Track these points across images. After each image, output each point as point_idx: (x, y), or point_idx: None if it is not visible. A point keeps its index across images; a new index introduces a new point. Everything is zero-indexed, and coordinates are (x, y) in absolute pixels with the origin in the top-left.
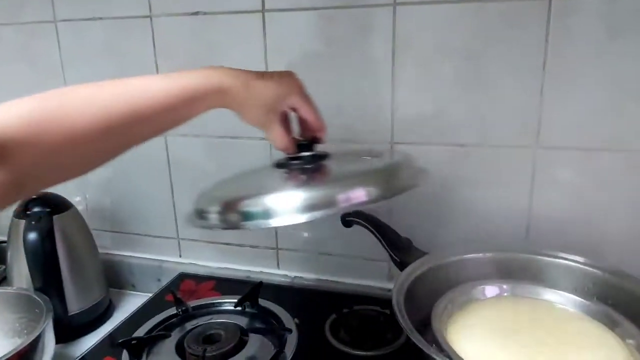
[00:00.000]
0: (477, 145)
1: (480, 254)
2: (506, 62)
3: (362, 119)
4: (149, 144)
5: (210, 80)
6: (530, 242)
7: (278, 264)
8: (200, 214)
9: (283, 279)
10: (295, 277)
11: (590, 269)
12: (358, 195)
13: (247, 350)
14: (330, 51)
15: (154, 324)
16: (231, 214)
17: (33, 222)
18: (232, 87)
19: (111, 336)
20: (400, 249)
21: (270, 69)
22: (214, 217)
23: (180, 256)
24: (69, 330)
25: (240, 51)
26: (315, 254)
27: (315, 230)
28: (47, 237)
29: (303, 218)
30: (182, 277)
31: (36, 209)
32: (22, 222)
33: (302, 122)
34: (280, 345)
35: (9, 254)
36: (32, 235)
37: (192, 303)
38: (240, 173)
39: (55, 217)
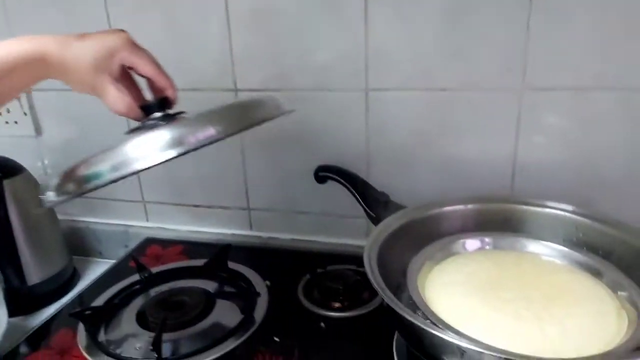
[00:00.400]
0: (458, 89)
1: (461, 206)
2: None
3: (334, 64)
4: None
5: (26, 49)
6: (516, 191)
7: (251, 225)
8: (55, 190)
9: (256, 241)
10: (269, 237)
11: (580, 217)
12: (207, 132)
13: (213, 317)
14: None
15: (114, 292)
16: (74, 179)
17: None
18: (51, 53)
19: (69, 307)
20: (376, 204)
21: (233, 19)
22: (72, 187)
23: (147, 220)
24: (28, 301)
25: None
26: (289, 213)
27: (288, 188)
28: None
29: (151, 161)
30: (149, 242)
31: None
32: None
33: (149, 82)
34: (249, 310)
35: None
36: None
37: (156, 268)
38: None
39: (5, 181)
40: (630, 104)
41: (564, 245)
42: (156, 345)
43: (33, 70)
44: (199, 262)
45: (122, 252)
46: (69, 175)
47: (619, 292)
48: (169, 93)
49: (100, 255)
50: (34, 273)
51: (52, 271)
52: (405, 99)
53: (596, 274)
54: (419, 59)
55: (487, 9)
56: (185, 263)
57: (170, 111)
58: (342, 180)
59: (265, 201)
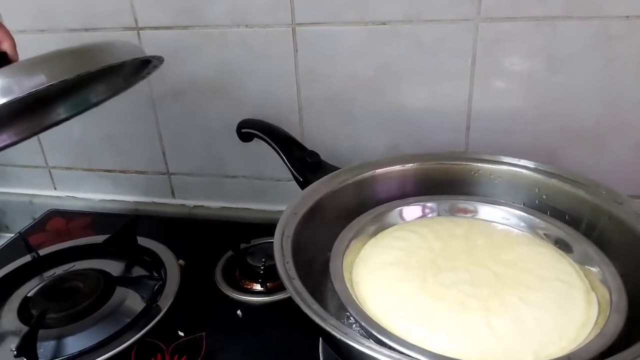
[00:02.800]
0: (403, 21)
1: (399, 166)
2: None
3: None
4: None
5: None
6: (471, 146)
7: (173, 192)
8: None
9: (180, 210)
10: (194, 206)
11: (543, 176)
12: (36, 79)
13: (109, 307)
14: None
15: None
16: None
17: None
18: None
19: None
20: (305, 165)
21: None
22: None
23: (54, 188)
24: None
25: None
26: (216, 178)
27: (213, 149)
28: None
29: None
30: (52, 214)
31: None
32: None
33: None
34: (153, 297)
35: None
36: None
37: (50, 248)
38: None
39: None
40: (607, 37)
41: (524, 210)
42: (24, 346)
43: None
44: (97, 240)
45: (27, 223)
46: None
47: (588, 267)
48: (5, 46)
49: (7, 229)
50: None
51: None
52: (338, 36)
53: (561, 245)
54: None
55: None
56: (86, 240)
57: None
58: (265, 137)
59: (187, 165)
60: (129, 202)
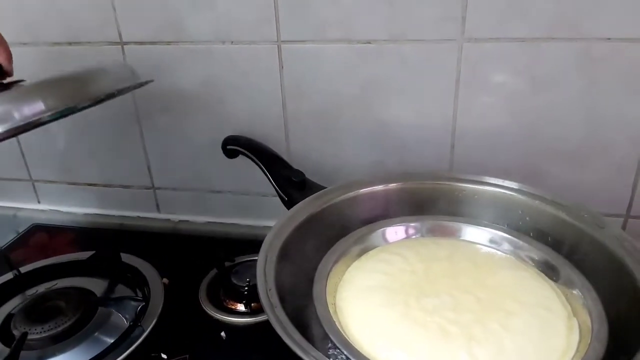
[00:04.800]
0: (388, 40)
1: (381, 186)
2: None
3: (238, 11)
4: None
5: None
6: (455, 164)
7: (158, 207)
8: None
9: (164, 225)
10: (179, 221)
11: (527, 198)
12: (35, 107)
13: (92, 327)
14: None
15: None
16: None
17: None
18: None
19: None
20: (289, 184)
21: None
22: None
23: (38, 202)
24: None
25: None
26: (201, 193)
27: (199, 164)
28: None
29: None
30: (36, 229)
31: None
32: None
33: None
34: (137, 318)
35: None
36: None
37: (31, 265)
38: None
39: None
40: (590, 59)
41: (507, 232)
42: None
43: None
44: (81, 257)
45: (9, 240)
46: None
47: (570, 291)
48: (3, 63)
49: None
50: None
51: None
52: (323, 54)
53: (544, 268)
54: (338, 5)
55: None
56: (69, 257)
57: (5, 81)
58: (251, 155)
59: (173, 179)
60: (114, 216)
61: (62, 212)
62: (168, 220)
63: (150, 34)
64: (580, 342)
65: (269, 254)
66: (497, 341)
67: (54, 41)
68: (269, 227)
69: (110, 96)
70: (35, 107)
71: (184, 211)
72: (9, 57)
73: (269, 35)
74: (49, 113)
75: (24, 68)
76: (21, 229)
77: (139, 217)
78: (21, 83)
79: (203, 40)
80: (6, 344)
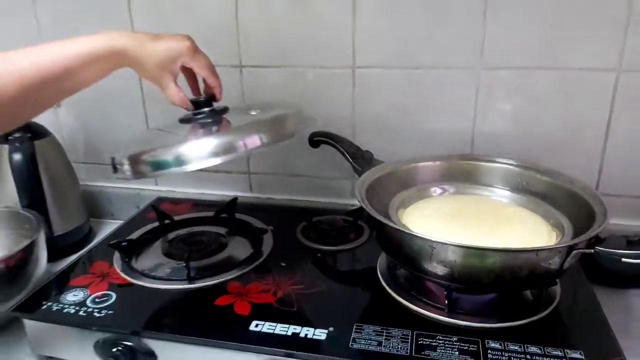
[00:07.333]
0: (429, 67)
1: (430, 162)
2: None
3: (326, 45)
4: (122, 78)
5: (110, 43)
6: (474, 151)
7: (251, 188)
8: (116, 170)
9: (255, 201)
10: (267, 198)
11: (523, 169)
12: (253, 140)
13: (228, 251)
14: None
15: (140, 234)
16: (141, 165)
17: (17, 144)
18: (130, 48)
19: (96, 247)
20: (362, 160)
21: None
22: (126, 169)
23: (156, 184)
24: (55, 249)
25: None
26: (285, 176)
27: (285, 154)
28: (31, 159)
29: (208, 163)
30: (160, 200)
31: (17, 135)
32: (5, 147)
33: (204, 80)
34: (257, 245)
35: None
36: (17, 156)
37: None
38: (147, 131)
39: (36, 142)
40: (564, 82)
41: (511, 191)
42: (187, 266)
43: (114, 61)
44: (210, 213)
45: (133, 213)
46: (135, 159)
47: (550, 220)
48: (216, 92)
49: (112, 216)
50: (58, 225)
51: (73, 225)
52: (385, 76)
53: (534, 208)
54: (398, 42)
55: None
56: (197, 214)
57: (216, 105)
58: (333, 142)
59: (264, 166)
60: (217, 194)
61: (175, 191)
62: (258, 197)
63: (264, 60)
64: (557, 240)
65: (361, 189)
66: (505, 236)
67: None
68: (334, 202)
69: (296, 134)
70: (253, 141)
71: (270, 191)
72: (221, 89)
73: (347, 62)
74: (260, 146)
75: None
76: (141, 204)
77: (235, 195)
78: (227, 112)
79: (301, 65)
80: (170, 258)
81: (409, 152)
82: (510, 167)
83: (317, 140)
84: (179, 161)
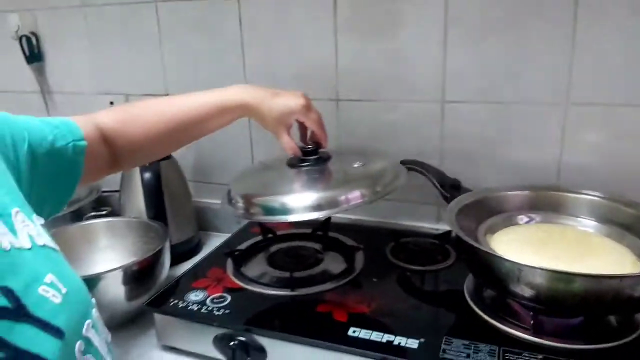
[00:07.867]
0: (514, 102)
1: (518, 191)
2: (539, 32)
3: (417, 80)
4: None
5: (237, 97)
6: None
7: None
8: (230, 202)
9: (347, 221)
10: (356, 219)
11: (609, 201)
12: (355, 196)
13: (324, 265)
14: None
15: (246, 245)
16: (253, 207)
17: (148, 164)
18: (253, 102)
19: (210, 256)
20: (449, 188)
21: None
22: (240, 206)
23: None
24: (171, 256)
25: (311, 28)
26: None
27: None
28: (157, 177)
29: (311, 216)
30: None
31: None
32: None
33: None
34: (350, 261)
35: (121, 196)
36: (148, 175)
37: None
38: (260, 166)
39: (161, 163)
40: None
41: (596, 221)
42: (291, 275)
43: (238, 112)
44: (307, 230)
45: (235, 228)
46: (248, 200)
47: (635, 251)
48: (322, 142)
49: (217, 229)
50: (175, 235)
51: (186, 236)
52: (471, 110)
53: (618, 238)
54: (483, 78)
55: (537, 38)
56: (295, 230)
57: (322, 151)
58: (422, 170)
59: None
60: None
61: None
62: (349, 218)
63: (359, 94)
64: None
65: (451, 215)
66: (591, 266)
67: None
68: (421, 226)
69: (390, 192)
70: (355, 196)
71: (358, 213)
72: (327, 141)
73: (437, 97)
74: (361, 203)
75: None
76: (243, 221)
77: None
78: (331, 159)
79: (394, 99)
80: (274, 268)
81: (494, 182)
82: (596, 198)
83: (407, 167)
84: (285, 210)
